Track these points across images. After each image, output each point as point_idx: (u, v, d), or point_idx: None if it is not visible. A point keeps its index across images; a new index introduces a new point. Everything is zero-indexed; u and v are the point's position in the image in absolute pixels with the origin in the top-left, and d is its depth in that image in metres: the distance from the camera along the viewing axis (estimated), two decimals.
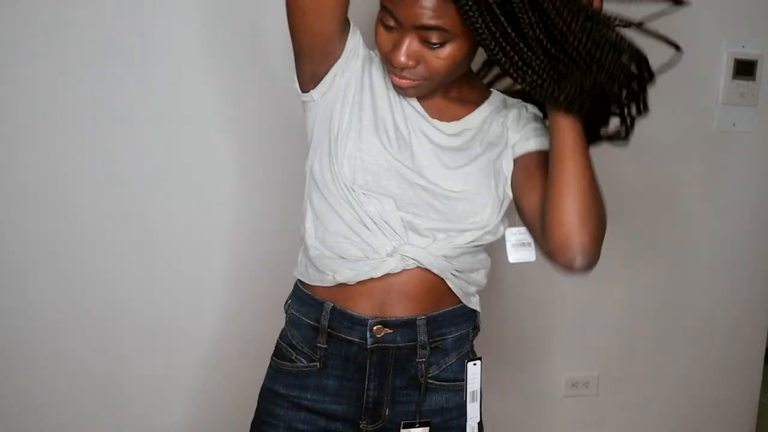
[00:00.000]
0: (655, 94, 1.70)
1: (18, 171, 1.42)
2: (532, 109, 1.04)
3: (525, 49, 0.82)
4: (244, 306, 1.55)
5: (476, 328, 1.06)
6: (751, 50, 1.71)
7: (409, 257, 0.94)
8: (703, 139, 1.73)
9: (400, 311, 0.96)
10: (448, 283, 0.97)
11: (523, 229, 0.99)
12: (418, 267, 0.95)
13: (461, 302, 1.00)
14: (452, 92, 0.99)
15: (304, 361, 0.99)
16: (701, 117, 1.72)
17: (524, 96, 1.05)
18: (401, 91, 0.93)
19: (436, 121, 0.97)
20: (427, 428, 0.99)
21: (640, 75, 0.90)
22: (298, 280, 1.04)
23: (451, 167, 0.94)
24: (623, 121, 0.98)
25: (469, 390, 1.01)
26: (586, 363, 1.78)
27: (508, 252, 1.00)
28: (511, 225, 1.01)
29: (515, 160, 0.98)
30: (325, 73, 0.95)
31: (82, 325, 1.48)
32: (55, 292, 1.46)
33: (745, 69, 1.71)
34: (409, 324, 0.96)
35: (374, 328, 0.95)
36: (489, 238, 0.97)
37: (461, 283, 0.99)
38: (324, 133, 0.96)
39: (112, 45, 1.40)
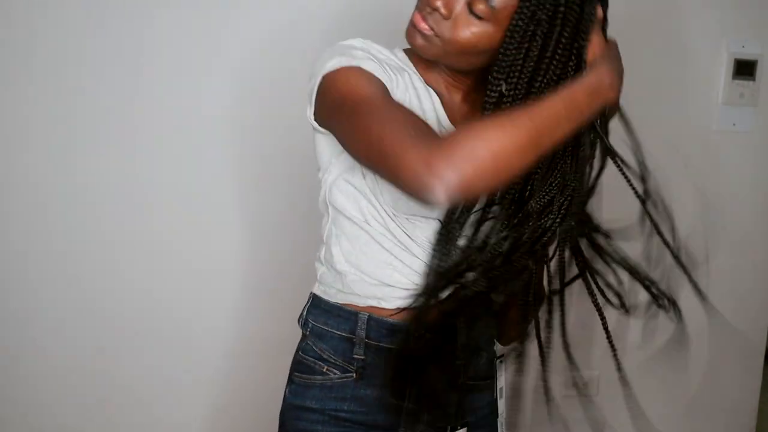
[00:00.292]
0: (655, 94, 1.71)
1: (24, 171, 1.42)
2: None
3: (525, 84, 0.81)
4: (254, 306, 1.55)
5: None
6: (751, 50, 1.71)
7: None
8: (703, 139, 1.73)
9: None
10: None
11: None
12: None
13: None
14: (477, 104, 0.91)
15: (337, 372, 0.94)
16: (701, 117, 1.73)
17: None
18: (413, 33, 0.84)
19: None
20: (466, 428, 0.99)
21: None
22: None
23: None
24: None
25: (498, 387, 1.02)
26: (586, 363, 1.78)
27: None
28: None
29: None
30: None
31: (90, 326, 1.49)
32: (61, 292, 1.46)
33: (745, 69, 1.71)
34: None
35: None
36: None
37: None
38: (352, 163, 0.88)
39: (121, 48, 1.40)
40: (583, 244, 0.92)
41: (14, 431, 1.49)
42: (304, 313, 1.00)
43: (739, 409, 1.90)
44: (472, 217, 0.86)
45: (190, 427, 1.57)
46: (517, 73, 0.81)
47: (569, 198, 0.85)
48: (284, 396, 0.98)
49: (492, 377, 1.02)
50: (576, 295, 1.81)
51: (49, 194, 1.43)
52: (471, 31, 0.81)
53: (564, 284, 0.92)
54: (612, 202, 0.97)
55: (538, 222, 0.84)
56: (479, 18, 0.80)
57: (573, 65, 0.81)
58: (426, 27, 0.82)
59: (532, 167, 0.79)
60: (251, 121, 1.49)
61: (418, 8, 0.83)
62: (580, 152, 0.85)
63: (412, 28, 0.84)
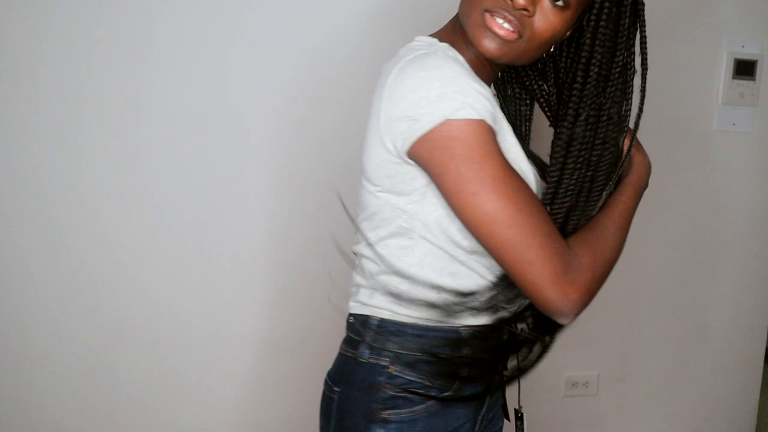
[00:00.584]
0: (655, 94, 1.71)
1: (36, 170, 1.41)
2: None
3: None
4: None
5: None
6: (751, 50, 1.71)
7: None
8: (703, 139, 1.73)
9: None
10: None
11: None
12: None
13: None
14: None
15: (435, 393, 0.85)
16: (701, 117, 1.73)
17: None
18: (490, 41, 0.78)
19: None
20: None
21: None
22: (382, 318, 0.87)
23: None
24: None
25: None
26: (586, 363, 1.78)
27: None
28: None
29: None
30: None
31: (96, 326, 1.48)
32: (69, 292, 1.46)
33: (745, 69, 1.71)
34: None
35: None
36: None
37: None
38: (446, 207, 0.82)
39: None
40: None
41: (14, 431, 1.49)
42: (373, 347, 0.85)
43: (739, 409, 1.90)
44: None
45: (184, 427, 1.57)
46: (601, 58, 0.83)
47: None
48: None
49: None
50: None
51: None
52: (555, 23, 0.79)
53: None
54: None
55: None
56: (563, 8, 0.78)
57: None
58: (508, 31, 0.78)
59: None
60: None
61: (491, 12, 0.77)
62: None
63: (489, 35, 0.78)
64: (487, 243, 0.76)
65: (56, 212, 1.43)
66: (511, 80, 0.98)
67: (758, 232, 1.82)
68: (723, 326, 1.84)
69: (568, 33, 0.84)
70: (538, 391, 1.77)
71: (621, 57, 0.84)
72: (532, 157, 0.95)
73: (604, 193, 0.88)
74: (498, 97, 0.99)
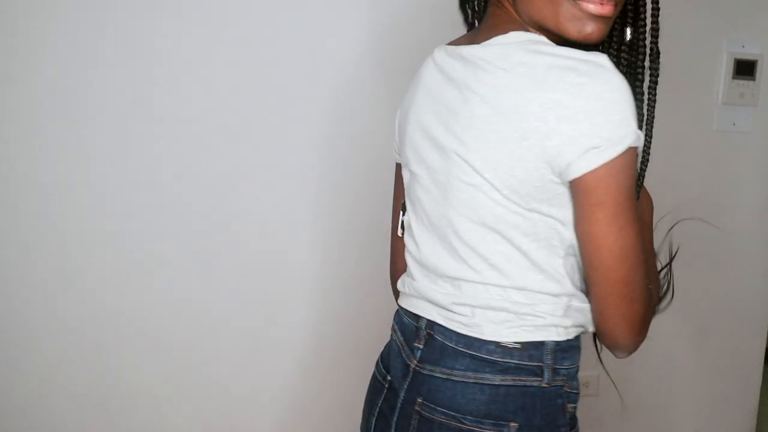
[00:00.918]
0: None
1: (37, 171, 1.41)
2: None
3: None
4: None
5: None
6: (751, 50, 1.71)
7: None
8: (703, 139, 1.73)
9: None
10: None
11: None
12: None
13: None
14: None
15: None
16: (701, 117, 1.73)
17: None
18: (591, 24, 0.74)
19: None
20: None
21: None
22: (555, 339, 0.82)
23: None
24: None
25: None
26: (586, 363, 1.78)
27: None
28: None
29: None
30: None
31: (101, 326, 1.48)
32: (72, 293, 1.46)
33: (745, 69, 1.71)
34: None
35: None
36: None
37: None
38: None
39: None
40: None
41: (15, 429, 1.49)
42: (554, 364, 0.81)
43: (739, 409, 1.90)
44: None
45: (185, 427, 1.57)
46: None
47: None
48: None
49: None
50: None
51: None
52: None
53: None
54: None
55: None
56: None
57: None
58: (610, 8, 0.74)
59: None
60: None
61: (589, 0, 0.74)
62: None
63: (588, 18, 0.74)
64: (605, 274, 0.74)
65: (67, 212, 1.42)
66: None
67: (758, 232, 1.82)
68: (723, 326, 1.84)
69: None
70: None
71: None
72: None
73: None
74: None
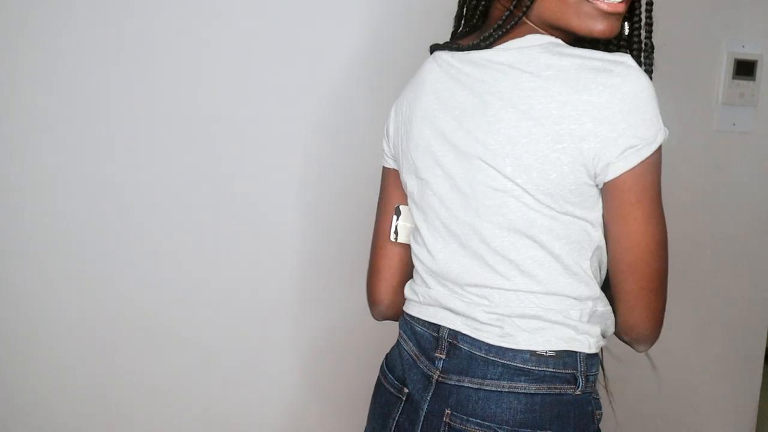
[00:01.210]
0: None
1: (36, 169, 1.41)
2: None
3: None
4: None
5: None
6: (751, 50, 1.71)
7: None
8: (703, 139, 1.73)
9: None
10: None
11: None
12: None
13: None
14: None
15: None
16: (701, 117, 1.73)
17: None
18: (608, 21, 0.75)
19: None
20: None
21: None
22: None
23: None
24: None
25: None
26: None
27: None
28: None
29: None
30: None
31: (101, 325, 1.48)
32: (75, 292, 1.46)
33: (745, 69, 1.71)
34: None
35: None
36: None
37: None
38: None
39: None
40: None
41: (16, 430, 1.49)
42: (586, 371, 0.81)
43: (739, 409, 1.90)
44: None
45: (186, 426, 1.57)
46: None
47: None
48: None
49: None
50: None
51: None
52: None
53: None
54: None
55: None
56: None
57: None
58: (622, 6, 0.75)
59: None
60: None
61: None
62: None
63: (601, 15, 0.75)
64: (642, 270, 0.77)
65: (67, 209, 1.42)
66: None
67: (758, 232, 1.82)
68: (723, 326, 1.84)
69: None
70: None
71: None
72: None
73: None
74: None
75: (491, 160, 0.76)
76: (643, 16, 0.82)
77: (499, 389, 0.78)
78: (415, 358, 0.86)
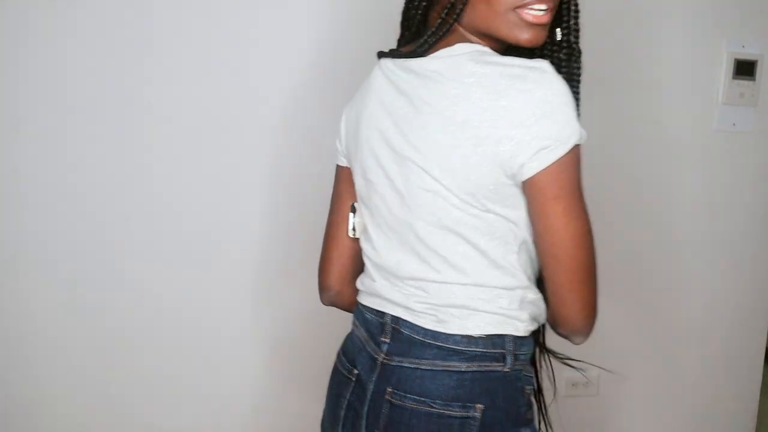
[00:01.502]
0: (655, 93, 1.71)
1: (29, 170, 1.42)
2: None
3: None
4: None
5: None
6: (751, 50, 1.71)
7: None
8: (703, 139, 1.73)
9: None
10: None
11: None
12: None
13: None
14: None
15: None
16: (701, 117, 1.72)
17: None
18: (535, 31, 0.81)
19: None
20: None
21: None
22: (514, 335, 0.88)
23: None
24: None
25: None
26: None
27: None
28: None
29: None
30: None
31: (93, 325, 1.49)
32: (63, 292, 1.46)
33: (745, 69, 1.71)
34: None
35: None
36: None
37: None
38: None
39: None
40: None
41: (15, 429, 1.49)
42: (517, 355, 0.87)
43: (739, 409, 1.90)
44: None
45: (184, 426, 1.57)
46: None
47: None
48: None
49: None
50: None
51: (59, 194, 1.43)
52: None
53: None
54: None
55: None
56: None
57: None
58: (546, 17, 0.81)
59: None
60: (270, 121, 1.49)
61: (521, 7, 0.80)
62: None
63: (527, 26, 0.81)
64: (566, 262, 0.80)
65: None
66: None
67: (758, 232, 1.82)
68: (723, 326, 1.84)
69: None
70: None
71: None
72: None
73: None
74: None
75: (422, 163, 0.82)
76: (572, 22, 0.87)
77: (433, 368, 0.84)
78: (365, 342, 0.93)
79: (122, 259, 1.47)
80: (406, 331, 0.87)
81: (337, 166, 1.04)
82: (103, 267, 1.47)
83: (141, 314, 1.50)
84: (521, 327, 0.86)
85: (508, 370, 0.85)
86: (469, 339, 0.84)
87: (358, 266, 1.02)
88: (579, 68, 0.88)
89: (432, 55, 0.84)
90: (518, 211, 0.82)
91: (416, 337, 0.86)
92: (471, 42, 0.84)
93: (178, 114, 1.45)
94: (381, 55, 0.94)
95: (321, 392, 1.03)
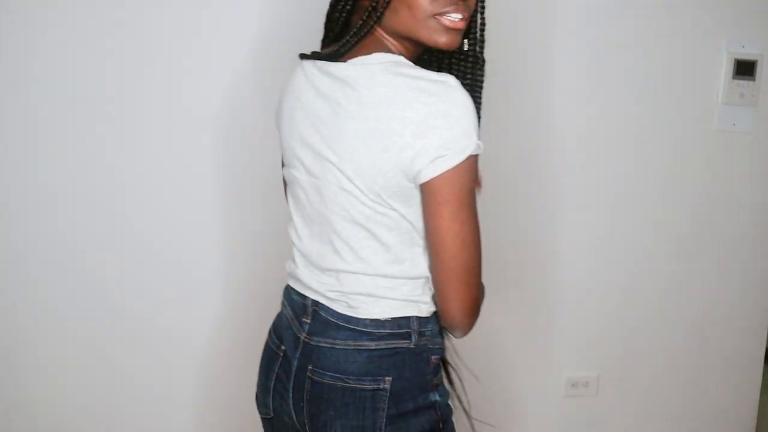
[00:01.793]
0: (655, 94, 1.71)
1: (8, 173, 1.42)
2: None
3: None
4: (238, 305, 1.55)
5: None
6: (751, 50, 1.71)
7: None
8: (703, 139, 1.74)
9: None
10: None
11: None
12: None
13: None
14: None
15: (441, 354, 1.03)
16: (701, 117, 1.73)
17: None
18: (452, 36, 0.89)
19: None
20: None
21: None
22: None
23: None
24: None
25: None
26: (586, 363, 1.78)
27: None
28: None
29: None
30: None
31: (79, 326, 1.49)
32: (45, 291, 1.47)
33: (745, 69, 1.71)
34: None
35: None
36: None
37: None
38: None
39: (108, 46, 1.40)
40: None
41: (15, 428, 1.49)
42: (426, 332, 0.96)
43: (739, 409, 1.90)
44: None
45: (182, 426, 1.57)
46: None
47: None
48: (436, 405, 0.96)
49: None
50: (578, 296, 1.82)
51: (38, 194, 1.43)
52: None
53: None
54: None
55: None
56: None
57: None
58: (463, 21, 0.89)
59: None
60: (237, 123, 1.49)
61: (440, 14, 0.88)
62: None
63: (451, 32, 0.89)
64: (448, 262, 0.88)
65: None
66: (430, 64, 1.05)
67: (758, 232, 1.82)
68: (723, 326, 1.84)
69: None
70: (538, 391, 1.77)
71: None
72: None
73: None
74: None
75: (339, 164, 0.89)
76: (478, 33, 0.95)
77: (346, 347, 0.94)
78: (290, 321, 1.01)
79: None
80: (323, 314, 0.96)
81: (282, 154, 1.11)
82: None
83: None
84: (424, 308, 0.95)
85: (413, 346, 0.94)
86: (377, 322, 0.93)
87: None
88: (482, 76, 0.96)
89: (351, 62, 0.90)
90: (417, 209, 0.90)
91: (332, 319, 0.95)
92: (388, 47, 0.92)
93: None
94: (303, 57, 0.99)
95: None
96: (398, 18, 0.89)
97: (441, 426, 0.95)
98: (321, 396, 0.94)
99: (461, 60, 0.96)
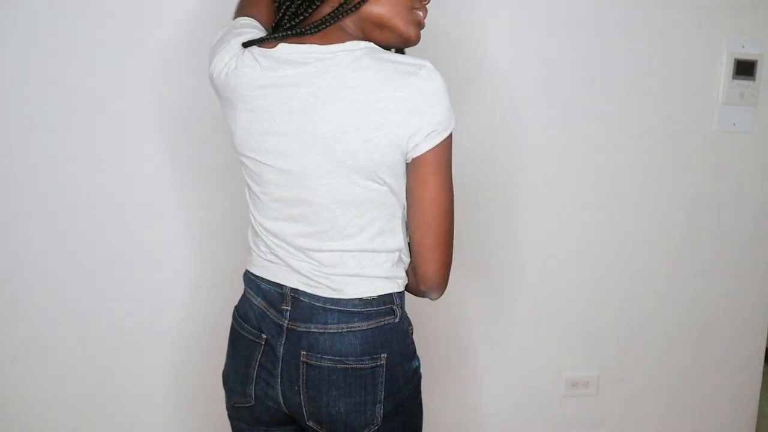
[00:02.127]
0: (655, 94, 1.71)
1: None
2: None
3: None
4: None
5: None
6: (751, 50, 1.71)
7: None
8: (703, 139, 1.74)
9: None
10: None
11: None
12: None
13: None
14: None
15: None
16: (701, 117, 1.73)
17: None
18: (418, 31, 0.99)
19: None
20: None
21: None
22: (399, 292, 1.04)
23: None
24: None
25: None
26: (586, 363, 1.78)
27: None
28: None
29: None
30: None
31: (67, 326, 1.49)
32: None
33: (745, 69, 1.71)
34: None
35: None
36: None
37: None
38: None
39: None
40: None
41: (14, 428, 1.49)
42: (401, 314, 1.04)
43: (739, 409, 1.90)
44: None
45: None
46: None
47: None
48: (417, 370, 1.05)
49: None
50: (578, 296, 1.82)
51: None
52: None
53: None
54: None
55: None
56: None
57: None
58: (424, 16, 0.98)
59: None
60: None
61: (416, 9, 0.97)
62: None
63: (419, 27, 0.99)
64: (435, 228, 0.96)
65: None
66: None
67: (758, 232, 1.82)
68: (723, 326, 1.84)
69: None
70: (538, 391, 1.77)
71: None
72: None
73: None
74: None
75: (324, 148, 0.91)
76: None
77: (339, 331, 0.98)
78: (265, 309, 1.02)
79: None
80: (305, 300, 0.99)
81: None
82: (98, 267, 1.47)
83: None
84: (400, 283, 1.02)
85: (398, 320, 1.01)
86: (365, 301, 0.98)
87: None
88: None
89: (326, 50, 0.91)
90: (402, 181, 0.96)
91: (317, 304, 0.98)
92: (353, 36, 0.95)
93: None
94: (247, 44, 0.96)
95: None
96: (381, 6, 0.95)
97: (419, 387, 1.05)
98: (321, 378, 0.98)
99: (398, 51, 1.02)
